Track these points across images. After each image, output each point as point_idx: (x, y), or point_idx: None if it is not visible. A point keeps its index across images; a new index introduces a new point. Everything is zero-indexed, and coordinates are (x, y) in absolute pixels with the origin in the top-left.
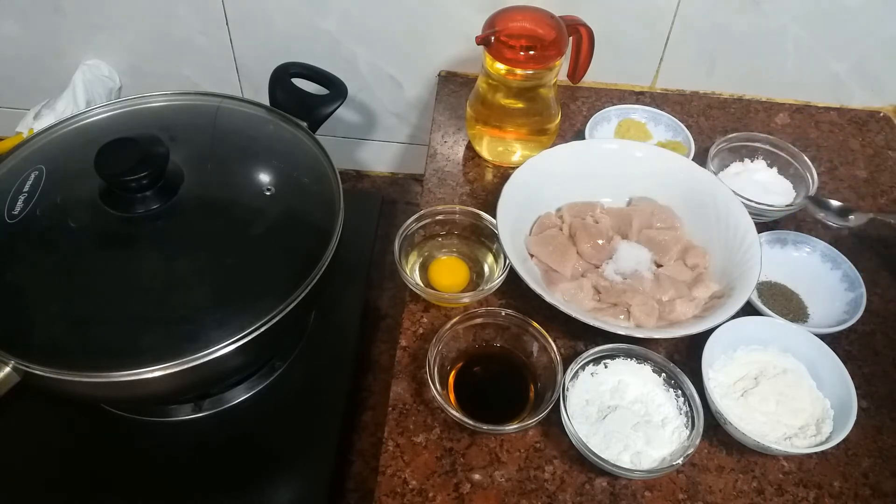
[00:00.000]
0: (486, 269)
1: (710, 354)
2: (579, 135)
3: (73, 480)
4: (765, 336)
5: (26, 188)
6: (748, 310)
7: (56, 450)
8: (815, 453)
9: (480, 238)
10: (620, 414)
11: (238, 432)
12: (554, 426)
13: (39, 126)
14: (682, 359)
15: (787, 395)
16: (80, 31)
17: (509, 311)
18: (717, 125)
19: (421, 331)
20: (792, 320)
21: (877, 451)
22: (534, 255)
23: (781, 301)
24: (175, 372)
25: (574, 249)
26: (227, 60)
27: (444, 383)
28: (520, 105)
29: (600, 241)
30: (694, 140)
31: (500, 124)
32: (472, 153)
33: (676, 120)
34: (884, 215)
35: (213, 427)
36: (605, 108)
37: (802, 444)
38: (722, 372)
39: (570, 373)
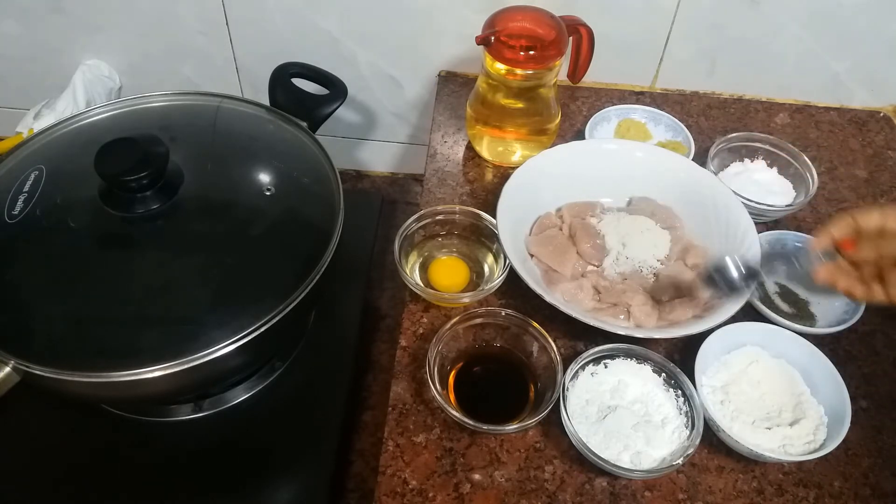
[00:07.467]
0: (486, 269)
1: (703, 361)
2: (579, 135)
3: (72, 480)
4: (757, 341)
5: (26, 188)
6: (748, 310)
7: (56, 450)
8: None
9: (480, 238)
10: (620, 414)
11: (238, 432)
12: (554, 426)
13: (39, 126)
14: (682, 359)
15: (780, 402)
16: (80, 31)
17: (509, 311)
18: (717, 125)
19: (421, 331)
20: (797, 322)
21: (877, 451)
22: (534, 255)
23: (787, 302)
24: (175, 372)
25: (574, 249)
26: (227, 60)
27: (444, 383)
28: (520, 105)
29: (600, 241)
30: (694, 140)
31: (500, 124)
32: (472, 153)
33: (676, 120)
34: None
35: (213, 427)
36: (605, 108)
37: (796, 452)
38: (715, 378)
39: (570, 373)
